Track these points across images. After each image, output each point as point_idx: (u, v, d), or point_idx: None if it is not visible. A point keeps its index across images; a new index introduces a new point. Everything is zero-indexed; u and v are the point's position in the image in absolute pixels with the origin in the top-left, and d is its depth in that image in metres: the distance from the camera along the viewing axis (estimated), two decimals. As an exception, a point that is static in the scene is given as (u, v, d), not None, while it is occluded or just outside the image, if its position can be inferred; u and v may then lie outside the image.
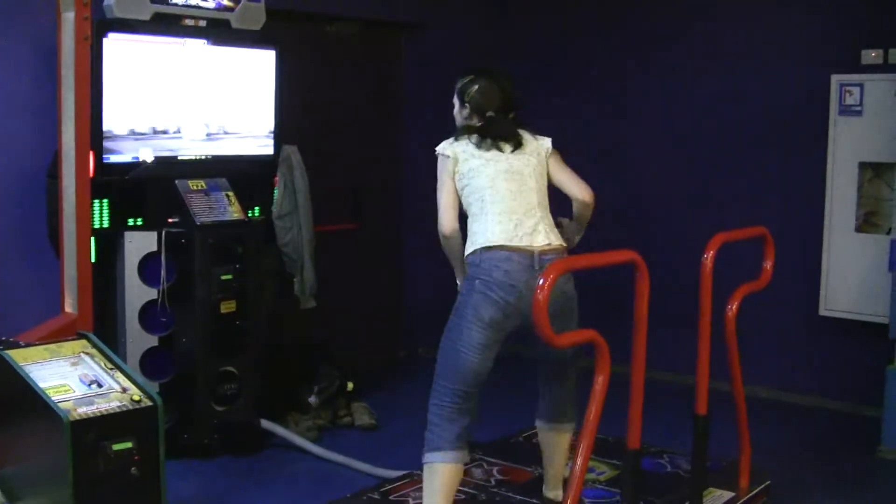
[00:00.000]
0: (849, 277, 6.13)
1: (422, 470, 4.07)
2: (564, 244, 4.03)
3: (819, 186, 6.20)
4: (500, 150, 4.01)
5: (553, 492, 4.35)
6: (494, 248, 3.85)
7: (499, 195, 3.94)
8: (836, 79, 6.08)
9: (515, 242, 3.87)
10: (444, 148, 4.03)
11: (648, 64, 7.08)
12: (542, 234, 3.95)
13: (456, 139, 4.05)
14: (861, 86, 6.01)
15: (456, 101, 4.19)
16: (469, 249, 3.93)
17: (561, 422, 4.27)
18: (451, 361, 3.89)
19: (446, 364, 3.91)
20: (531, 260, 3.85)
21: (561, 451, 4.31)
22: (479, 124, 4.07)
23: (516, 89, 4.21)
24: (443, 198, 4.01)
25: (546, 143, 4.16)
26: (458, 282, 4.11)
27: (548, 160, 4.14)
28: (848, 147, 6.08)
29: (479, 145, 4.00)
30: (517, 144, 4.05)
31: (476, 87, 4.10)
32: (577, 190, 4.14)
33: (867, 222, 6.05)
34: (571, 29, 7.46)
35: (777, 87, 6.51)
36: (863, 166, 6.03)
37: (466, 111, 4.13)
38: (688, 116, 6.91)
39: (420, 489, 4.47)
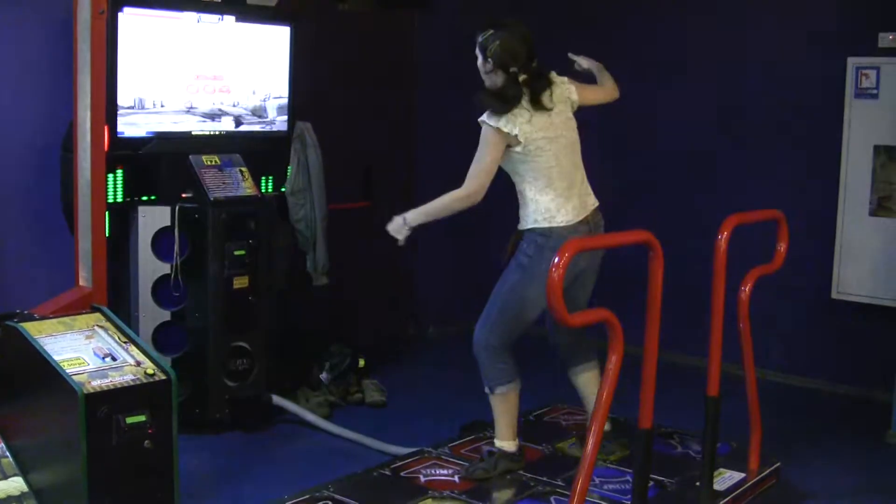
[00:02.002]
0: (862, 261, 6.11)
1: (433, 447, 4.55)
2: None
3: (833, 170, 6.17)
4: (548, 112, 4.24)
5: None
6: (563, 227, 4.24)
7: (563, 171, 4.29)
8: (852, 62, 6.04)
9: (581, 214, 4.31)
10: (505, 125, 4.15)
11: (663, 45, 7.05)
12: (589, 194, 4.41)
13: (509, 114, 4.16)
14: (877, 69, 5.97)
15: (479, 55, 4.29)
16: (537, 222, 4.27)
17: (592, 360, 4.70)
18: (515, 312, 4.33)
19: (510, 313, 4.35)
20: (588, 225, 4.32)
21: (596, 388, 4.52)
22: (511, 91, 4.19)
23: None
24: (486, 165, 4.18)
25: (571, 90, 4.41)
26: (402, 220, 4.29)
27: (575, 106, 4.45)
28: (863, 131, 6.04)
29: (530, 121, 4.19)
30: (549, 107, 4.26)
31: (497, 42, 4.20)
32: (610, 96, 4.70)
33: (881, 207, 6.03)
34: (584, 6, 7.42)
35: (793, 69, 6.47)
36: (877, 150, 6.01)
37: (490, 65, 4.25)
38: (702, 98, 6.88)
39: (431, 466, 4.56)
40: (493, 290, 4.44)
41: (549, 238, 4.23)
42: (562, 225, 4.24)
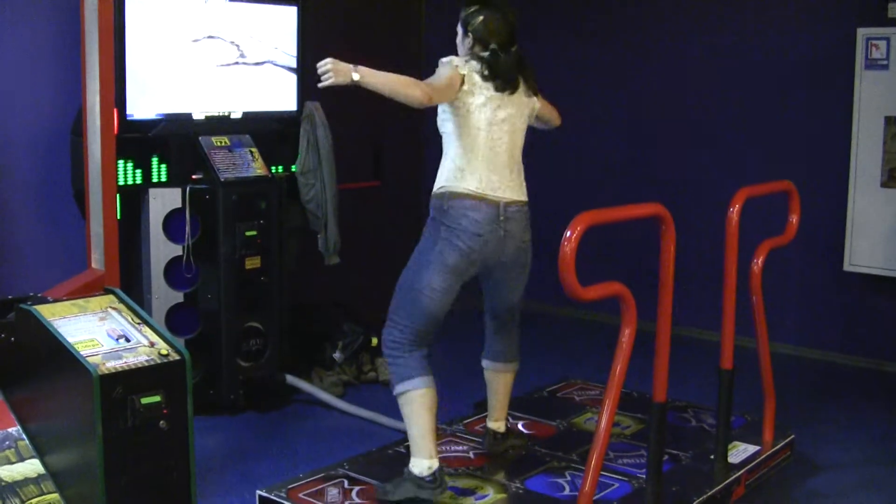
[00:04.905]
0: (873, 233, 6.10)
1: (447, 424, 4.52)
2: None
3: (844, 141, 6.15)
4: (502, 91, 3.97)
5: (496, 423, 4.50)
6: (464, 196, 3.91)
7: (491, 141, 3.96)
8: (862, 32, 6.01)
9: (489, 193, 3.92)
10: (459, 63, 3.93)
11: (673, 16, 7.02)
12: (514, 189, 4.01)
13: (468, 62, 3.95)
14: (888, 39, 5.94)
15: (459, 30, 4.12)
16: (442, 185, 3.98)
17: (511, 361, 4.42)
18: (409, 302, 4.00)
19: (404, 303, 4.02)
20: (497, 210, 3.93)
21: (507, 387, 4.47)
22: (486, 56, 3.97)
23: (521, 24, 4.13)
24: (440, 79, 3.90)
25: (535, 103, 4.17)
26: (353, 69, 3.95)
27: (533, 115, 4.20)
28: (874, 101, 6.02)
29: (485, 79, 3.93)
30: (514, 90, 4.01)
31: (480, 17, 4.02)
32: (556, 118, 4.37)
33: (892, 178, 6.01)
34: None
35: (803, 40, 6.44)
36: (888, 121, 5.99)
37: (469, 41, 4.06)
38: (713, 70, 6.85)
39: (445, 443, 4.56)
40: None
41: (447, 211, 3.92)
42: (466, 191, 3.90)
